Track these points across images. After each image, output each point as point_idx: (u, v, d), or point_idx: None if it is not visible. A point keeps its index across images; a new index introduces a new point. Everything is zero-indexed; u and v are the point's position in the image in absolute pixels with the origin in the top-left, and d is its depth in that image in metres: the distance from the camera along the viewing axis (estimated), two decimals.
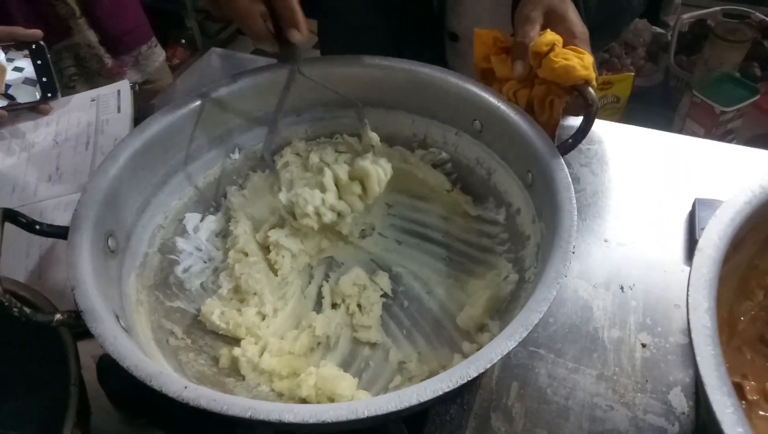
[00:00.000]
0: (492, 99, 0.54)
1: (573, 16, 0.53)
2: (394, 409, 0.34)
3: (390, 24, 0.74)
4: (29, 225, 0.44)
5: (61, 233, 0.44)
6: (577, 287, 0.59)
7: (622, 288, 0.59)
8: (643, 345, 0.55)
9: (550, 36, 0.51)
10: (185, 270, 0.55)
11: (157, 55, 1.07)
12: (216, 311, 0.52)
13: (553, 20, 0.52)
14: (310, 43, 0.53)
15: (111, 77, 0.97)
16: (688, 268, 0.60)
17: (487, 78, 0.58)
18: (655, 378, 0.52)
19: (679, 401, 0.51)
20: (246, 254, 0.56)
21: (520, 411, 0.51)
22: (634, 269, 0.60)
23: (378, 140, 0.60)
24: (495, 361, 0.37)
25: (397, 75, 0.59)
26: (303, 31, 0.52)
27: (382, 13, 0.74)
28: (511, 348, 0.37)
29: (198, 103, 0.56)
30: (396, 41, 0.74)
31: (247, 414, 0.34)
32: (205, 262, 0.57)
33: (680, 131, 1.38)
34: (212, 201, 0.60)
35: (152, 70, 1.05)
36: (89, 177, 0.49)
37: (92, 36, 0.95)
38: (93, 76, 0.98)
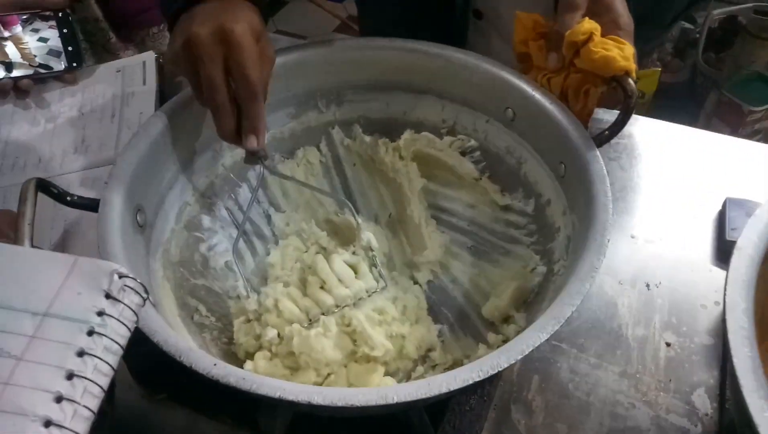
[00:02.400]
0: (527, 87, 0.54)
1: (619, 6, 0.51)
2: (423, 396, 0.34)
3: None
4: (60, 196, 0.44)
5: (91, 205, 0.44)
6: (602, 282, 0.58)
7: (648, 286, 0.58)
8: (668, 344, 0.54)
9: (588, 25, 0.50)
10: (210, 248, 0.55)
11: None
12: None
13: (598, 9, 0.51)
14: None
15: (115, 53, 0.95)
16: (715, 268, 0.60)
17: (525, 62, 0.57)
18: (679, 377, 0.52)
19: (703, 402, 0.50)
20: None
21: (540, 405, 0.51)
22: (660, 266, 0.59)
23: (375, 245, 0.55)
24: (526, 352, 0.36)
25: (429, 60, 0.58)
26: (260, 140, 0.49)
27: None
28: (542, 340, 0.37)
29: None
30: (419, 15, 0.72)
31: (276, 394, 0.34)
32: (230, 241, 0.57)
33: (706, 129, 1.35)
34: (239, 180, 0.60)
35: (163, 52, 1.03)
36: (120, 151, 0.48)
37: (97, 11, 0.94)
38: (99, 51, 0.96)
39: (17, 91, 0.75)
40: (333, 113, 0.63)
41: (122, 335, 0.32)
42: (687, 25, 1.64)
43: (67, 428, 0.28)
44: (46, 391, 0.28)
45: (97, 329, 0.31)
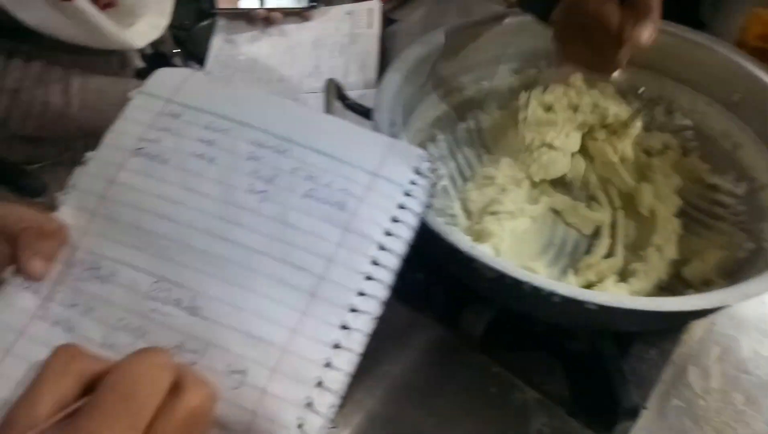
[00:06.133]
0: (762, 75, 0.55)
1: None
2: (693, 308, 0.39)
3: None
4: (342, 97, 0.53)
5: (364, 112, 0.53)
6: None
7: None
8: None
9: None
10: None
11: None
12: None
13: None
14: None
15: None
16: None
17: (755, 56, 0.58)
18: None
19: None
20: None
21: (717, 373, 0.53)
22: None
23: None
24: (752, 297, 0.39)
25: (660, 36, 0.61)
26: None
27: None
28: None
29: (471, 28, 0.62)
30: None
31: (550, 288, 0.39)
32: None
33: None
34: (459, 119, 0.67)
35: None
36: (387, 71, 0.56)
37: None
38: None
39: (266, 21, 0.87)
40: (550, 74, 0.68)
41: (424, 204, 0.39)
42: None
43: (385, 267, 0.35)
44: (380, 225, 0.36)
45: (411, 192, 0.38)
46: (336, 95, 0.52)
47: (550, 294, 0.40)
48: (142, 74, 0.85)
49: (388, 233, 0.36)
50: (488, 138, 0.67)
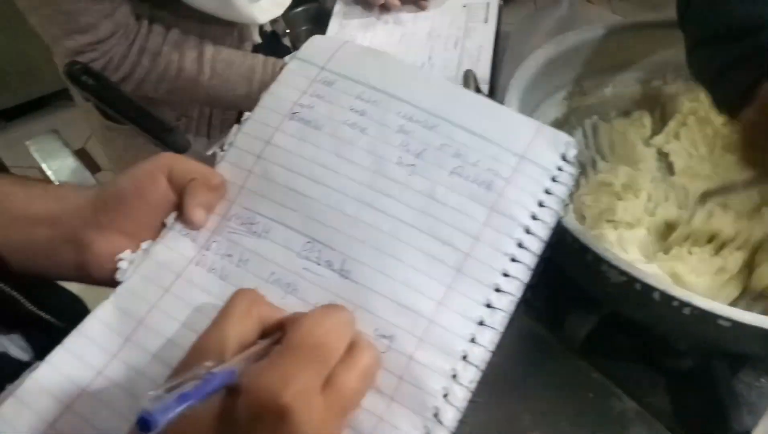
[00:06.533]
0: None
1: None
2: None
3: None
4: (477, 90, 0.54)
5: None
6: None
7: None
8: None
9: None
10: None
11: None
12: None
13: None
14: None
15: None
16: None
17: None
18: None
19: None
20: None
21: None
22: None
23: None
24: None
25: None
26: None
27: None
28: None
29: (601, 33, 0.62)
30: None
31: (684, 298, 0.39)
32: None
33: None
34: (577, 124, 0.66)
35: None
36: (522, 66, 0.57)
37: None
38: None
39: (382, 7, 0.88)
40: (677, 87, 0.66)
41: (569, 191, 0.38)
42: None
43: (529, 250, 0.36)
44: (526, 208, 0.36)
45: (558, 178, 0.38)
46: (474, 86, 0.53)
47: (683, 304, 0.39)
48: (258, 51, 0.89)
49: (534, 217, 0.36)
50: (604, 145, 0.66)
